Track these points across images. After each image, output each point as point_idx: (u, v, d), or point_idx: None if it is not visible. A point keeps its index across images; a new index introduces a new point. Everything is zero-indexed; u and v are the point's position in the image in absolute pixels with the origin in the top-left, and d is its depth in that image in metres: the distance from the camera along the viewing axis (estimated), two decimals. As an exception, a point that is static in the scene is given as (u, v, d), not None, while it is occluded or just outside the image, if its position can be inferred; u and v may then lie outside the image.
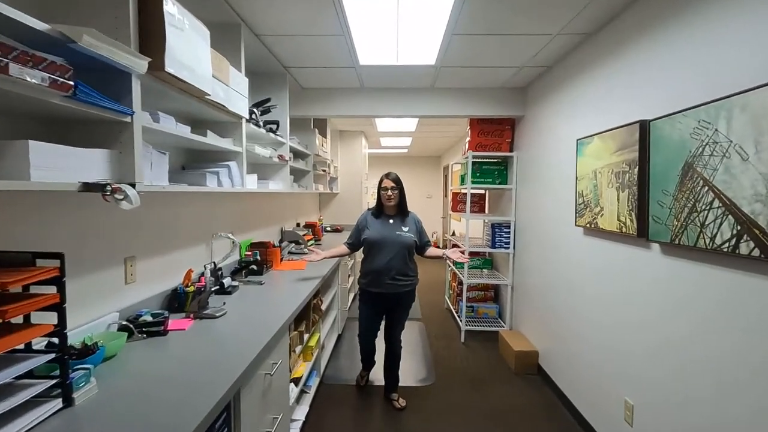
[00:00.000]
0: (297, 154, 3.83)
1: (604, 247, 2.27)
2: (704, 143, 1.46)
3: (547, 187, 3.17)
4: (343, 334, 4.18)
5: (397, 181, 2.68)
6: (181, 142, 1.95)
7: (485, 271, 4.59)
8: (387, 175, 2.70)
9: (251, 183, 2.46)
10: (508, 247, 3.97)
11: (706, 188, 1.46)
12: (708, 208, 1.45)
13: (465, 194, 4.77)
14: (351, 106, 3.77)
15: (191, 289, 2.03)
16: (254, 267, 2.87)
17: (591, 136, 2.34)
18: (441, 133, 6.50)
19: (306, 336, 2.56)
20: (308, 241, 4.17)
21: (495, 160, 4.19)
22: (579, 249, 2.57)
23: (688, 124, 1.55)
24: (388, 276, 2.59)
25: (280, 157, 2.99)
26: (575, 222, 2.54)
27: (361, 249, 2.84)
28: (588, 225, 2.38)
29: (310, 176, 4.16)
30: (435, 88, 3.73)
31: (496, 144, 4.00)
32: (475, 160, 4.03)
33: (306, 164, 4.08)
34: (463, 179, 4.51)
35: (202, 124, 2.10)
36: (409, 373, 3.31)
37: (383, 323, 2.88)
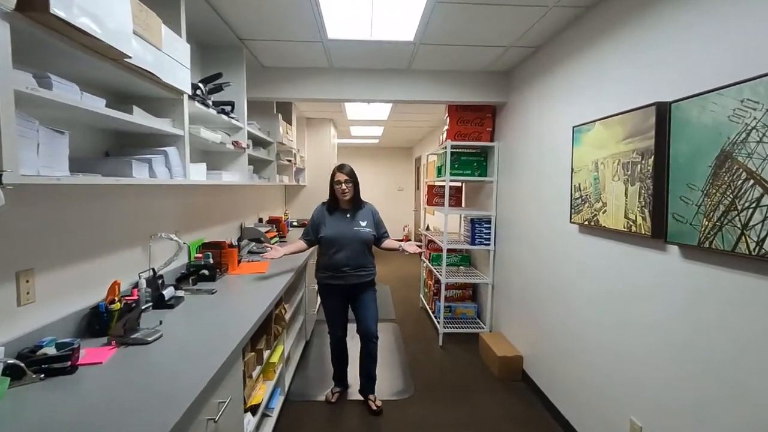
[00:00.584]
0: (257, 142, 3.41)
1: (606, 248, 2.03)
2: (750, 127, 1.21)
3: (535, 181, 2.92)
4: (312, 340, 3.82)
5: (351, 174, 2.55)
6: (100, 122, 1.53)
7: (462, 268, 4.34)
8: (340, 168, 2.55)
9: (198, 173, 2.05)
10: (489, 244, 3.72)
11: (752, 182, 1.21)
12: (754, 205, 1.20)
13: (442, 187, 4.50)
14: (318, 88, 3.37)
15: (117, 306, 1.62)
16: (206, 272, 2.47)
17: (591, 122, 2.08)
18: (414, 122, 6.19)
19: (267, 353, 2.20)
20: (271, 238, 3.77)
21: (474, 151, 3.92)
22: (575, 248, 2.32)
23: (726, 105, 1.29)
24: (346, 271, 2.53)
25: (236, 143, 2.57)
26: (570, 218, 2.29)
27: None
28: (587, 222, 2.13)
29: (273, 167, 3.74)
30: (412, 71, 3.39)
31: (476, 133, 3.73)
32: (453, 150, 3.73)
33: (268, 153, 3.66)
34: (440, 171, 4.22)
35: (133, 100, 1.67)
36: (385, 385, 3.00)
37: (351, 322, 2.71)
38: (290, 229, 5.17)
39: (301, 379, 3.10)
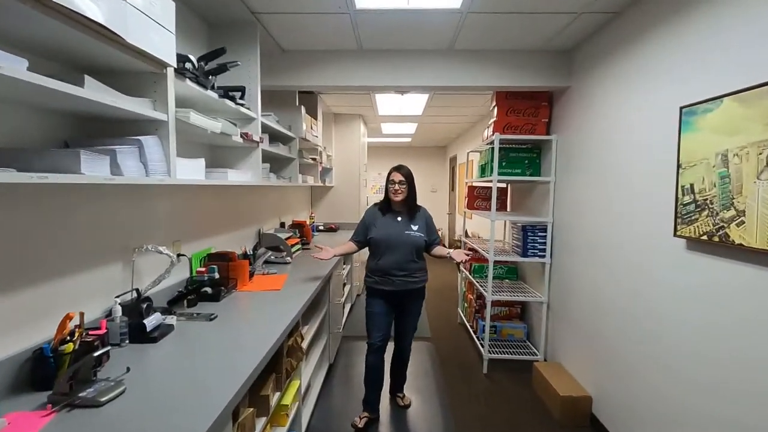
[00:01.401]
0: (276, 137, 3.00)
1: (739, 273, 1.45)
2: None
3: (613, 180, 2.34)
4: (337, 361, 3.37)
5: (408, 176, 2.47)
6: (43, 99, 1.12)
7: (508, 281, 3.78)
8: (398, 168, 2.49)
9: (189, 171, 1.63)
10: (544, 256, 3.15)
11: None
12: None
13: (485, 188, 3.97)
14: (346, 74, 2.92)
15: (69, 347, 1.21)
16: (208, 290, 2.06)
17: (714, 99, 1.51)
18: (451, 117, 5.65)
19: (276, 396, 1.75)
20: (292, 246, 3.35)
21: (525, 146, 3.35)
22: (679, 269, 1.75)
23: None
24: (396, 275, 2.43)
25: (246, 136, 2.15)
26: (675, 230, 1.71)
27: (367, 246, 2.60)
28: (705, 236, 1.55)
29: (295, 165, 3.32)
30: (454, 51, 2.88)
31: (529, 125, 3.16)
32: (501, 146, 3.19)
33: (289, 150, 3.25)
34: (483, 170, 3.68)
35: (104, 74, 1.27)
36: (419, 420, 2.52)
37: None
38: (315, 233, 4.76)
39: (323, 410, 2.66)
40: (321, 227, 5.11)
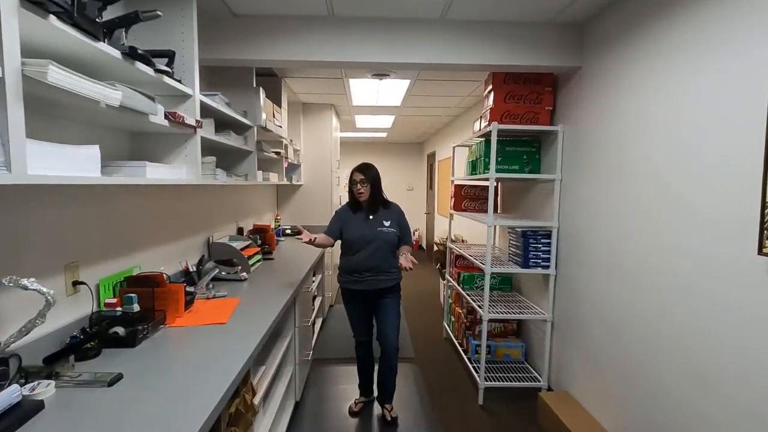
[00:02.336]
0: (226, 124, 2.41)
1: None
2: None
3: (643, 182, 1.91)
4: (305, 397, 2.81)
5: (369, 174, 2.39)
6: None
7: (499, 292, 3.33)
8: (358, 168, 2.42)
9: (61, 162, 1.04)
10: (548, 266, 2.71)
11: None
12: None
13: (474, 188, 3.52)
14: (313, 46, 2.37)
15: None
16: (119, 331, 1.48)
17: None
18: (433, 107, 5.17)
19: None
20: (251, 257, 2.78)
21: (523, 139, 2.91)
22: (762, 296, 1.31)
23: None
24: (366, 273, 2.39)
25: (174, 117, 1.57)
26: (761, 248, 1.27)
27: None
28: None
29: (253, 160, 2.74)
30: (447, 21, 2.38)
31: (531, 114, 2.71)
32: (499, 138, 2.71)
33: (245, 142, 2.66)
34: (474, 166, 3.21)
35: None
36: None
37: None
38: (281, 238, 4.18)
39: (286, 470, 2.11)
40: (288, 230, 4.53)
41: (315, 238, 2.38)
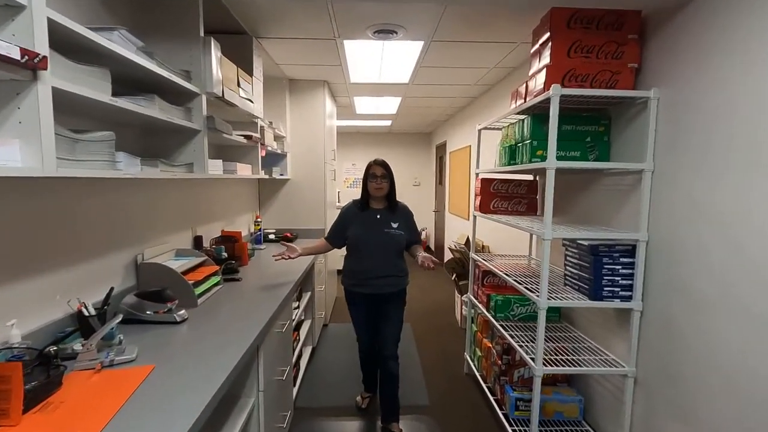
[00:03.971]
0: (151, 86, 1.57)
1: None
2: None
3: None
4: (278, 478, 1.98)
5: (388, 168, 2.29)
6: None
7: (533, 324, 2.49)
8: (376, 161, 2.29)
9: None
10: (629, 298, 1.86)
11: None
12: None
13: (509, 182, 2.69)
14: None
15: None
16: None
17: None
18: (448, 86, 4.30)
19: None
20: (204, 279, 1.95)
21: (585, 114, 2.06)
22: None
23: None
24: (373, 277, 2.26)
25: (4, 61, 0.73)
26: None
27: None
28: None
29: (201, 143, 1.89)
30: None
31: (606, 74, 1.84)
32: (545, 113, 1.85)
33: (188, 116, 1.82)
34: (512, 153, 2.36)
35: None
36: None
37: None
38: (261, 246, 3.34)
39: None
40: (272, 235, 3.70)
41: (299, 253, 2.28)
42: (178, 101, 1.79)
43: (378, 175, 2.25)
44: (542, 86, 1.87)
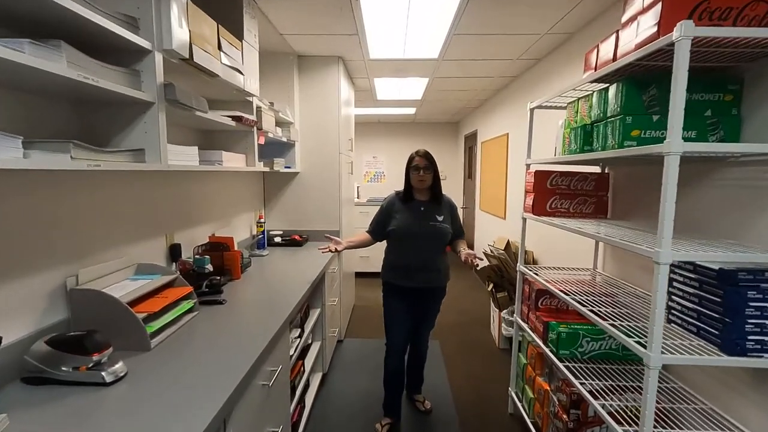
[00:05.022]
0: (64, 32, 1.03)
1: None
2: None
3: None
4: None
5: (431, 159, 2.21)
6: None
7: (610, 364, 1.86)
8: (418, 153, 2.22)
9: None
10: (786, 350, 1.22)
11: None
12: None
13: (573, 175, 2.06)
14: None
15: None
16: None
17: None
18: (484, 64, 3.66)
19: None
20: (169, 306, 1.42)
21: (706, 76, 1.41)
22: None
23: None
24: (418, 271, 2.20)
25: None
26: None
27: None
28: None
29: (155, 122, 1.35)
30: None
31: (762, 6, 1.20)
32: (635, 77, 1.22)
33: (130, 81, 1.28)
34: (585, 136, 1.73)
35: None
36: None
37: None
38: (263, 251, 2.82)
39: None
40: (278, 238, 3.17)
41: (343, 246, 2.22)
42: (122, 61, 1.26)
43: (421, 167, 2.17)
44: (654, 30, 1.24)
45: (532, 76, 3.65)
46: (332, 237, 2.27)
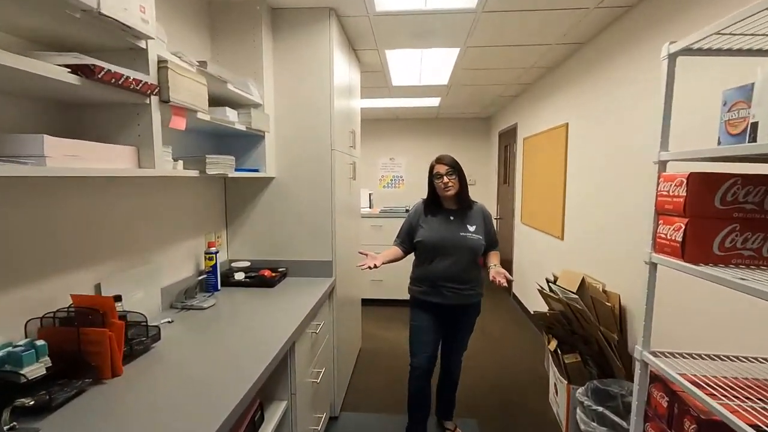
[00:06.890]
0: None
1: None
2: None
3: None
4: None
5: (454, 165, 2.05)
6: None
7: None
8: (439, 159, 2.07)
9: None
10: None
11: None
12: None
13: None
14: None
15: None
16: None
17: None
18: (531, 36, 2.57)
19: None
20: None
21: None
22: None
23: None
24: (447, 285, 2.04)
25: None
26: None
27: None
28: None
29: None
30: None
31: None
32: None
33: None
34: None
35: None
36: None
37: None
38: (214, 294, 1.80)
39: None
40: (240, 274, 2.17)
41: (380, 261, 2.01)
42: None
43: (442, 173, 2.02)
44: None
45: (611, 39, 2.53)
46: (367, 252, 2.07)
